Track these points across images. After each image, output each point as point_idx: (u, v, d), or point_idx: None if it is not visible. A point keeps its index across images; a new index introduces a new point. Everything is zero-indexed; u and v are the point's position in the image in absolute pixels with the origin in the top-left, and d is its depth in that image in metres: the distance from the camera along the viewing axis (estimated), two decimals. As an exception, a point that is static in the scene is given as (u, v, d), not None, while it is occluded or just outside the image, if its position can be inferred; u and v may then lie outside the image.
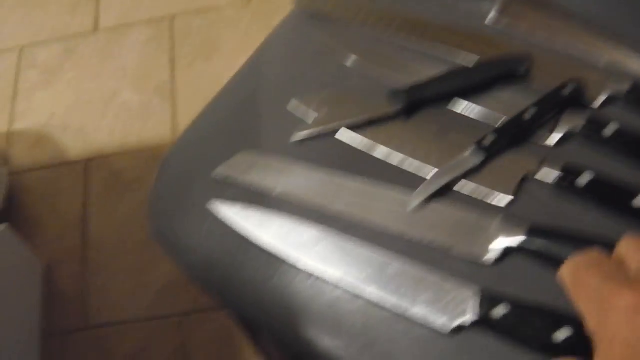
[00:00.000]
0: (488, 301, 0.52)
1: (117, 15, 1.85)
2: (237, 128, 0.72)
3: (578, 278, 0.41)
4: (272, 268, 0.61)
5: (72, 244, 1.51)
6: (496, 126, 0.63)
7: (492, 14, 0.72)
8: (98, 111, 1.69)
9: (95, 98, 1.72)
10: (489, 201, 0.60)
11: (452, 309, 0.53)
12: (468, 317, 0.52)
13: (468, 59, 0.69)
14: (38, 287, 1.44)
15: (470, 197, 0.60)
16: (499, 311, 0.51)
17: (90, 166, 1.61)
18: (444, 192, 0.60)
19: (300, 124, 0.68)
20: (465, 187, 0.61)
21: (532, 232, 0.55)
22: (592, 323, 0.39)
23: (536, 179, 0.60)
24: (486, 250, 0.56)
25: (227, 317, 1.35)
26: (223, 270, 0.63)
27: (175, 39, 1.78)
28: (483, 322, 0.52)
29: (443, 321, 0.53)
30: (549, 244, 0.54)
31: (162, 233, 0.69)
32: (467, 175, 0.61)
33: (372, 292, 0.56)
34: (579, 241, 0.53)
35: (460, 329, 0.53)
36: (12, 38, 1.87)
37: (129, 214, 1.53)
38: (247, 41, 1.73)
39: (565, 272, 0.43)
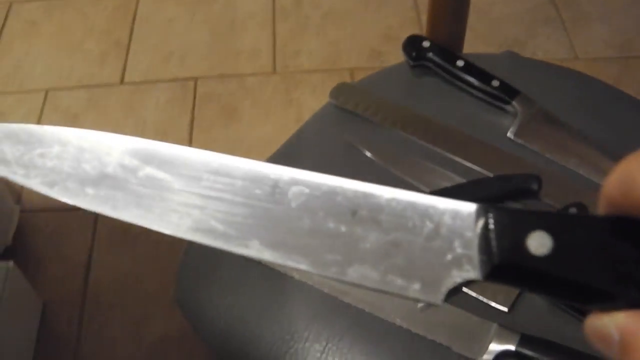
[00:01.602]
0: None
1: (143, 71, 1.90)
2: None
3: None
4: (287, 344, 0.66)
5: (72, 287, 1.52)
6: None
7: (511, 130, 0.78)
8: (114, 162, 1.71)
9: (113, 149, 1.74)
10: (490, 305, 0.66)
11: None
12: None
13: (486, 171, 0.75)
14: (35, 326, 1.46)
15: (475, 300, 0.66)
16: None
17: (100, 215, 1.63)
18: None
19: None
20: (470, 292, 0.66)
21: (524, 340, 0.61)
22: None
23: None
24: (482, 353, 0.61)
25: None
26: (240, 342, 0.68)
27: (197, 101, 1.82)
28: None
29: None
30: (538, 353, 0.60)
31: (187, 302, 0.73)
32: (472, 282, 0.66)
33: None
34: (567, 354, 0.60)
35: None
36: (39, 80, 1.91)
37: (132, 267, 1.54)
38: (266, 112, 1.77)
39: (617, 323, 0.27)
